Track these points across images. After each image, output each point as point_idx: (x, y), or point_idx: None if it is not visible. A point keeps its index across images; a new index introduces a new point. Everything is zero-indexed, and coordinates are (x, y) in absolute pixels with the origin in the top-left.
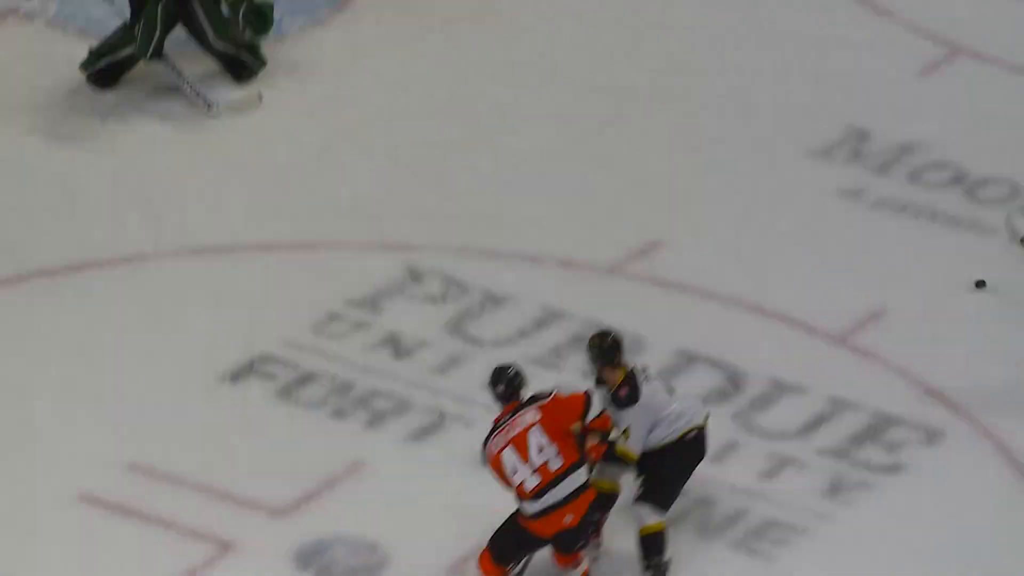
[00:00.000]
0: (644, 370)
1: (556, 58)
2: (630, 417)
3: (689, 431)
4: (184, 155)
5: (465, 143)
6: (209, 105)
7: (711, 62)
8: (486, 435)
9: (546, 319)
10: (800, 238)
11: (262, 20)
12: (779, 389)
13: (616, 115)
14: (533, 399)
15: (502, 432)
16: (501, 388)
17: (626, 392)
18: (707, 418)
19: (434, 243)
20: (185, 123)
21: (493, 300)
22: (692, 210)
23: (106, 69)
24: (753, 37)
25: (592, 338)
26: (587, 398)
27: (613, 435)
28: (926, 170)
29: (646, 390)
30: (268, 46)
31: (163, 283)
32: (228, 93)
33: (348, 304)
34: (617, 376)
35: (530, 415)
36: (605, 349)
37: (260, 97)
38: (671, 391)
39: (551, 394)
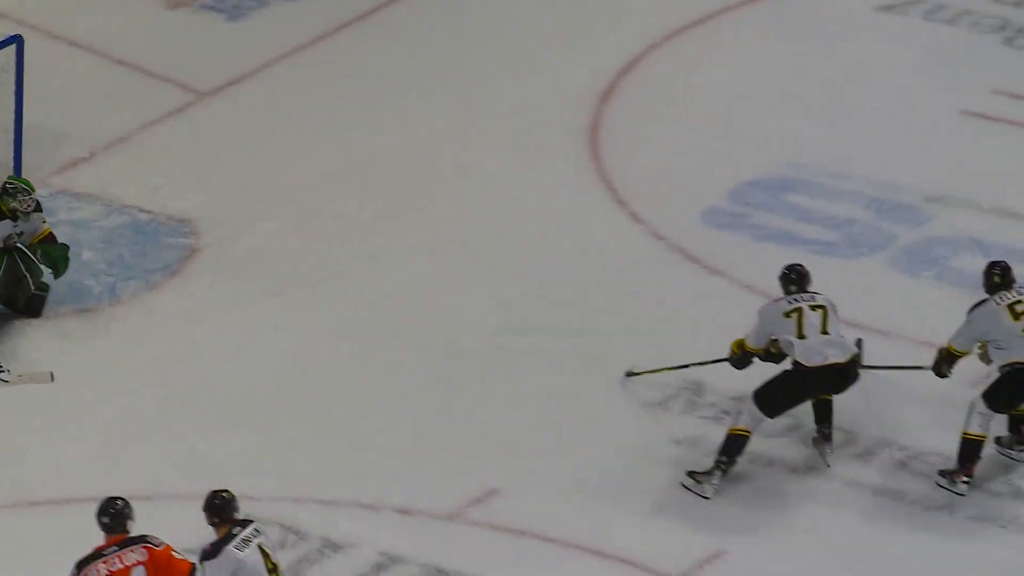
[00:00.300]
0: (251, 535)
1: (393, 317)
2: (209, 570)
3: None
4: (21, 410)
5: (302, 398)
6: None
7: (551, 318)
8: (81, 558)
9: (385, 564)
10: (637, 483)
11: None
12: None
13: (453, 371)
14: (143, 539)
15: (105, 562)
16: (107, 519)
17: (209, 549)
18: None
19: (271, 494)
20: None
21: (331, 546)
22: (529, 458)
23: None
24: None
25: (208, 494)
26: (192, 568)
27: None
28: None
29: (233, 554)
30: (102, 310)
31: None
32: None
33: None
34: (220, 533)
35: (137, 554)
36: (212, 506)
37: (52, 377)
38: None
39: (163, 544)
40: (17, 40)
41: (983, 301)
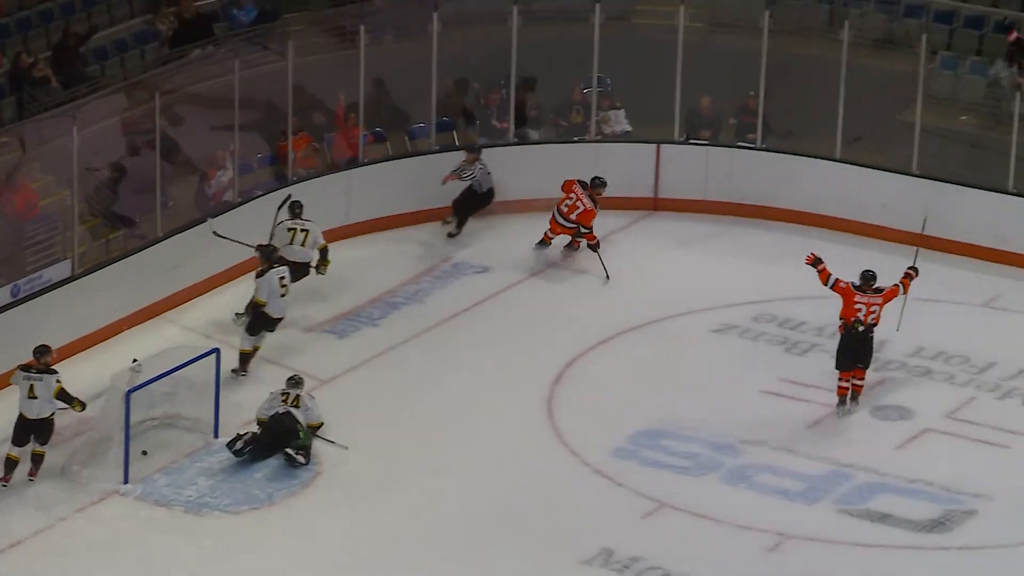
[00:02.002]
0: (282, 272)
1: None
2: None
3: None
4: None
5: None
6: None
7: None
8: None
9: None
10: None
11: None
12: None
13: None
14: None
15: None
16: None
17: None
18: None
19: None
20: None
21: None
22: None
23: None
24: None
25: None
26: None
27: None
28: None
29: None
30: None
31: None
32: None
33: None
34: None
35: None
36: (262, 252)
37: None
38: None
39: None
40: (216, 351)
41: None
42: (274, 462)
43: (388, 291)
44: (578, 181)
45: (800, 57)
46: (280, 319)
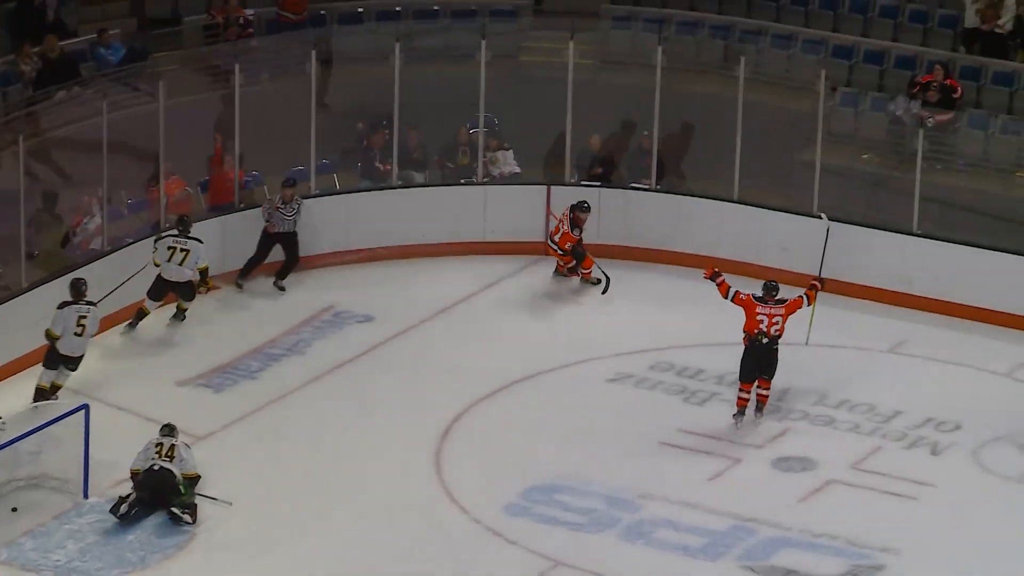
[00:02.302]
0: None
1: None
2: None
3: None
4: None
5: None
6: None
7: None
8: None
9: None
10: None
11: None
12: None
13: None
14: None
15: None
16: None
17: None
18: None
19: None
20: None
21: None
22: None
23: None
24: None
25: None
26: None
27: None
28: None
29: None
30: None
31: None
32: None
33: None
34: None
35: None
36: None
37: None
38: None
39: None
40: (85, 408)
41: None
42: (149, 523)
43: (267, 342)
44: (571, 206)
45: (695, 95)
46: (76, 358)
